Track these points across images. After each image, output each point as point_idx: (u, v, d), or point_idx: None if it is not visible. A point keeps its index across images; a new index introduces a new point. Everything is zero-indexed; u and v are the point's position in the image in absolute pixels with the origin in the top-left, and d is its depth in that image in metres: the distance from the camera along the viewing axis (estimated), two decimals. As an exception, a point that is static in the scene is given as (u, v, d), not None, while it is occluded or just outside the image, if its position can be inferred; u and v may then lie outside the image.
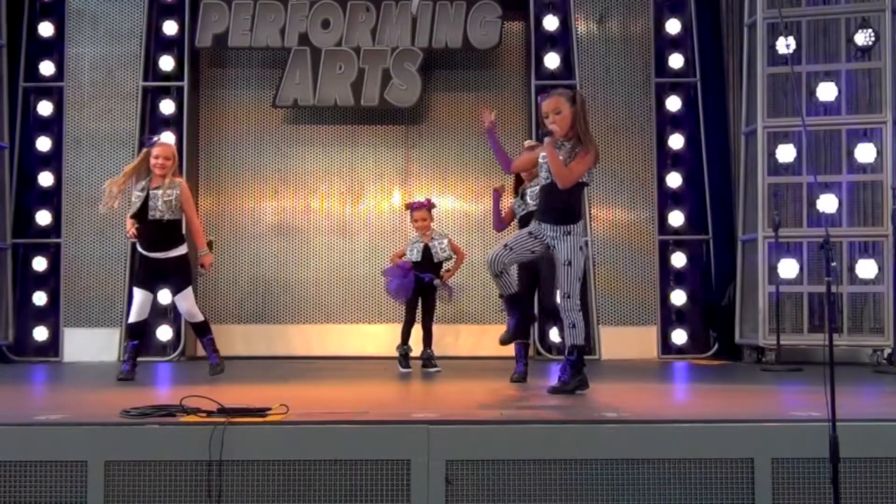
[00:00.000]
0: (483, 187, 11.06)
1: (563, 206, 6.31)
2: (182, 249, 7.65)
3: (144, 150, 7.70)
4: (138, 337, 7.70)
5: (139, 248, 7.68)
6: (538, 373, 8.01)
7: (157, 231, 7.54)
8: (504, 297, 6.50)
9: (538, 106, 6.40)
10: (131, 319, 7.62)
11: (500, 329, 6.84)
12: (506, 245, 6.34)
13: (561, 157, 6.15)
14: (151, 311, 7.86)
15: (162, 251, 7.55)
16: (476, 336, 10.77)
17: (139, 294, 7.59)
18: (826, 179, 9.59)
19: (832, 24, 9.80)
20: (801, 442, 4.59)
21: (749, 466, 4.56)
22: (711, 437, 4.63)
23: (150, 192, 7.48)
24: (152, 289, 7.74)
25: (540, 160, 6.37)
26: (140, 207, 7.49)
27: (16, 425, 4.69)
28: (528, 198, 7.43)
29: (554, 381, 6.56)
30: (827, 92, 9.62)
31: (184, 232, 7.89)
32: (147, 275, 7.64)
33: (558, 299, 6.36)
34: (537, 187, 7.13)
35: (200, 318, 7.85)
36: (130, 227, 7.74)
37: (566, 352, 6.38)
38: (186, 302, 7.70)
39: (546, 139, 6.19)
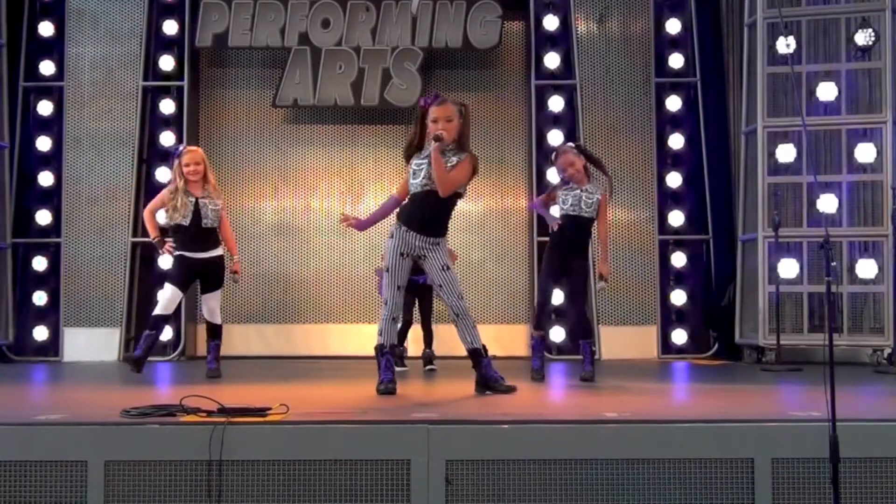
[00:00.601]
0: (483, 186, 11.06)
1: (437, 216, 6.34)
2: (222, 250, 8.03)
3: (175, 161, 7.94)
4: (156, 328, 7.89)
5: (179, 251, 7.87)
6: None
7: (205, 235, 7.89)
8: (389, 348, 6.39)
9: (423, 108, 6.32)
10: (157, 311, 7.83)
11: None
12: (398, 287, 6.31)
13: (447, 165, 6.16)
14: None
15: (208, 251, 7.90)
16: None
17: (170, 290, 7.80)
18: (826, 179, 9.59)
19: (832, 23, 9.80)
20: (801, 442, 4.59)
21: (749, 466, 4.56)
22: (711, 437, 4.63)
23: (199, 201, 7.81)
24: (186, 288, 7.99)
25: (413, 167, 6.31)
26: (192, 217, 7.80)
27: (16, 425, 4.69)
28: (567, 200, 7.45)
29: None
30: (827, 92, 9.62)
31: None
32: (186, 274, 7.91)
33: (453, 304, 6.30)
34: (572, 194, 7.21)
35: (219, 320, 8.14)
36: (155, 232, 7.95)
37: (484, 353, 6.38)
38: (215, 301, 8.06)
39: (434, 144, 6.13)
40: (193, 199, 7.79)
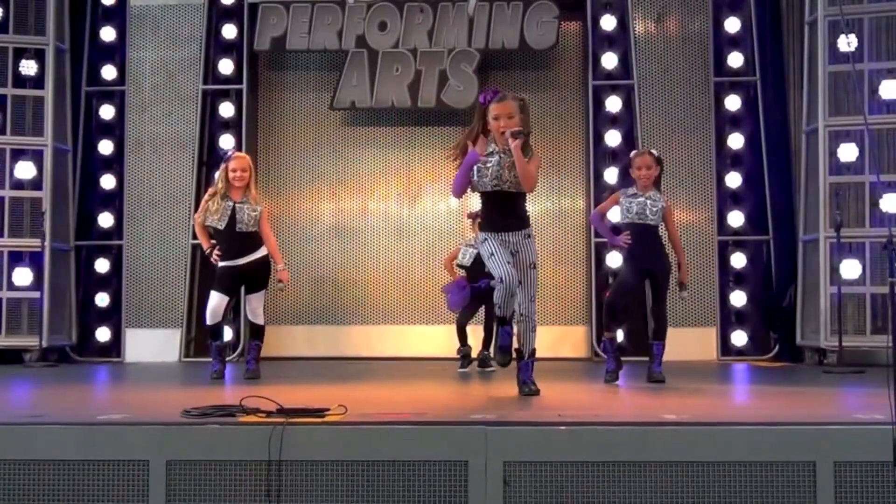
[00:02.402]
0: (540, 188, 11.02)
1: (522, 211, 6.37)
2: (265, 251, 8.00)
3: (222, 164, 7.99)
4: (218, 336, 8.05)
5: (221, 261, 7.89)
6: (597, 373, 7.95)
7: (243, 240, 7.89)
8: (506, 317, 6.29)
9: (483, 104, 6.25)
10: (209, 322, 7.95)
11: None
12: (508, 262, 6.17)
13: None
14: None
15: (250, 255, 7.90)
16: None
17: (216, 297, 7.88)
18: (889, 179, 9.46)
19: (895, 21, 9.65)
20: (864, 445, 4.51)
21: (811, 470, 4.50)
22: (772, 439, 4.57)
23: (236, 205, 7.83)
24: (232, 293, 8.04)
25: (480, 166, 6.17)
26: (228, 221, 7.81)
27: (79, 425, 4.76)
28: (633, 208, 7.32)
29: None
30: (890, 90, 9.49)
31: None
32: (232, 281, 7.94)
33: (525, 304, 6.26)
34: (636, 201, 7.14)
35: (262, 321, 8.16)
36: (207, 243, 8.00)
37: (527, 355, 6.34)
38: (258, 301, 8.06)
39: (515, 142, 6.02)
40: (231, 204, 7.82)
